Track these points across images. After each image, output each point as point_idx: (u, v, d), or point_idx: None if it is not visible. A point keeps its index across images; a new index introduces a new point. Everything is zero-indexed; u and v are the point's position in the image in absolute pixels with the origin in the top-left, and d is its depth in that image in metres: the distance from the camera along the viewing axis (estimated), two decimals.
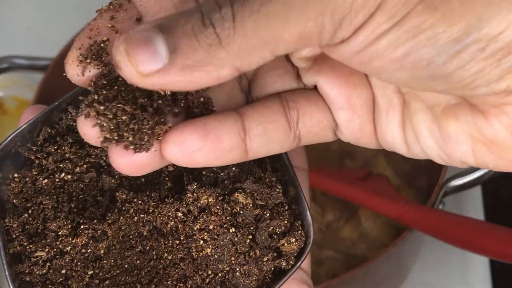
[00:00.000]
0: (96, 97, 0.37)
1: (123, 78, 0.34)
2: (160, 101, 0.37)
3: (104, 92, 0.37)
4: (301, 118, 0.41)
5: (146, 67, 0.32)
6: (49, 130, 0.44)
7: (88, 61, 0.38)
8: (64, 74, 0.39)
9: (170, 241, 0.43)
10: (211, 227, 0.42)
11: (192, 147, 0.37)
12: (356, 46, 0.33)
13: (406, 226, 0.82)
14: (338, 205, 0.95)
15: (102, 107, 0.36)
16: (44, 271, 0.42)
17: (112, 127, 0.36)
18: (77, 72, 0.38)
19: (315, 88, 0.42)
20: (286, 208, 0.44)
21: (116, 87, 0.37)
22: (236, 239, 0.42)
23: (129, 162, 0.38)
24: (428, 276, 0.96)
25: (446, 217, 0.82)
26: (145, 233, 0.43)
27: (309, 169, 0.50)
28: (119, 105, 0.36)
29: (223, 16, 0.31)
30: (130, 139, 0.37)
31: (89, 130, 0.37)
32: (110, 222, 0.43)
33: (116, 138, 0.37)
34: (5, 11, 1.25)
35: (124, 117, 0.36)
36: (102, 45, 0.38)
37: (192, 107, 0.40)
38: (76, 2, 1.21)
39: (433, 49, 0.32)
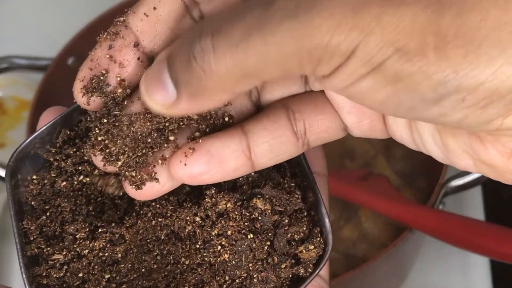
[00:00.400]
0: (99, 140, 0.40)
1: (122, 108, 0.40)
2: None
3: (105, 137, 0.40)
4: (308, 128, 0.42)
5: (162, 101, 0.35)
6: (69, 132, 0.44)
7: (90, 94, 0.40)
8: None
9: (188, 246, 0.43)
10: (229, 232, 0.42)
11: (198, 171, 0.40)
12: (339, 83, 0.33)
13: (406, 226, 0.83)
14: (338, 205, 0.95)
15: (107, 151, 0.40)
16: (61, 274, 0.42)
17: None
18: (83, 102, 0.40)
19: (323, 91, 0.42)
20: (305, 214, 0.44)
21: (116, 124, 0.40)
22: (254, 245, 0.42)
23: (140, 193, 0.41)
24: (428, 276, 0.96)
25: (446, 217, 0.82)
26: (162, 237, 0.43)
27: None
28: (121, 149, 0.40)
29: (203, 48, 0.33)
30: (133, 178, 0.40)
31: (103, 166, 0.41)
32: (128, 225, 0.43)
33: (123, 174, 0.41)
34: (5, 11, 1.24)
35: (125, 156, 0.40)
36: (101, 77, 0.39)
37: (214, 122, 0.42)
38: (76, 2, 1.21)
39: (413, 97, 0.32)
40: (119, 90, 0.39)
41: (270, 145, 0.41)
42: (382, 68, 0.32)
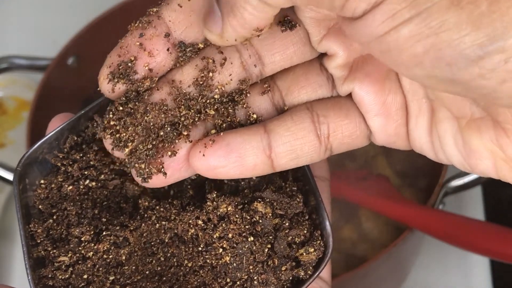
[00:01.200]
0: (111, 124, 0.41)
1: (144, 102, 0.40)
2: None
3: (117, 123, 0.40)
4: (332, 133, 0.41)
5: (215, 29, 0.37)
6: (76, 138, 0.44)
7: (116, 80, 0.40)
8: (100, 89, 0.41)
9: (191, 249, 0.44)
10: (230, 235, 0.42)
11: (215, 164, 0.40)
12: (376, 28, 0.31)
13: (406, 226, 0.83)
14: (338, 205, 0.95)
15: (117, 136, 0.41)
16: (67, 275, 0.43)
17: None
18: (108, 89, 0.40)
19: (347, 96, 0.42)
20: (307, 217, 0.44)
21: (131, 111, 0.40)
22: (254, 247, 0.42)
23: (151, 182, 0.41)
24: (428, 276, 0.97)
25: (446, 217, 0.82)
26: (166, 240, 0.44)
27: None
28: (130, 137, 0.40)
29: None
30: (141, 170, 0.41)
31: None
32: (132, 228, 0.44)
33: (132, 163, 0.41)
34: (5, 11, 1.25)
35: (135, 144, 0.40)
36: (129, 64, 0.40)
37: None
38: (76, 2, 1.21)
39: (455, 51, 0.30)
40: (147, 83, 0.40)
41: (291, 146, 0.41)
42: (428, 13, 0.30)
